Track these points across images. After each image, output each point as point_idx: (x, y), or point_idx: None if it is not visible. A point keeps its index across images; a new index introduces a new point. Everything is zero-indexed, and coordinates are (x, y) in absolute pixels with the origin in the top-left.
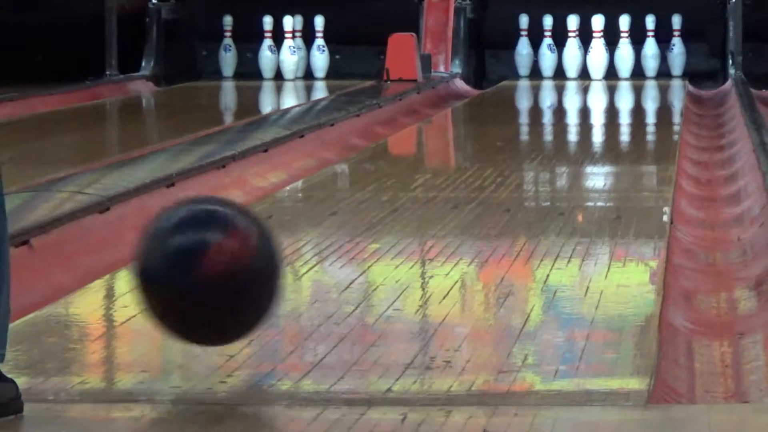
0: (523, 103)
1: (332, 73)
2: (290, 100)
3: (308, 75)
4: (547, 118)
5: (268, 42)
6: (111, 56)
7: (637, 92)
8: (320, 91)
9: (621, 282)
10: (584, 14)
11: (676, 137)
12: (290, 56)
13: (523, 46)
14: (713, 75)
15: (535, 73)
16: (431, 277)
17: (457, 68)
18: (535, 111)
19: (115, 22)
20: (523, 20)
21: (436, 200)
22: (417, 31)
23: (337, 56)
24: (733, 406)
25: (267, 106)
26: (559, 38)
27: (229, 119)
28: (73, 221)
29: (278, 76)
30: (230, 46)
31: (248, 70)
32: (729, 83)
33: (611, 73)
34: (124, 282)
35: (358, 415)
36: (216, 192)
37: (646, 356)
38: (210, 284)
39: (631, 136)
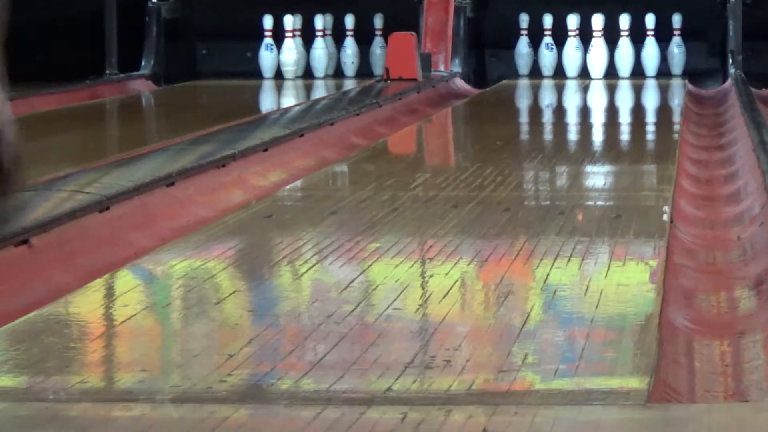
0: (523, 102)
1: (332, 73)
2: (290, 99)
3: (308, 74)
4: (547, 117)
5: (267, 41)
6: (111, 56)
7: (637, 91)
8: (320, 90)
9: (621, 281)
10: (584, 13)
11: (676, 136)
12: (290, 56)
13: (523, 46)
14: (713, 74)
15: (535, 72)
16: (431, 276)
17: (457, 67)
18: (535, 110)
19: (115, 21)
20: (523, 19)
21: (436, 199)
22: (417, 30)
23: (337, 56)
24: (733, 406)
25: (267, 105)
26: (559, 37)
27: (229, 119)
28: (73, 220)
29: (278, 75)
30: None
31: (248, 70)
32: (729, 82)
33: (611, 73)
34: (124, 282)
35: (358, 414)
36: (216, 191)
37: (646, 355)
38: None
39: (631, 135)
